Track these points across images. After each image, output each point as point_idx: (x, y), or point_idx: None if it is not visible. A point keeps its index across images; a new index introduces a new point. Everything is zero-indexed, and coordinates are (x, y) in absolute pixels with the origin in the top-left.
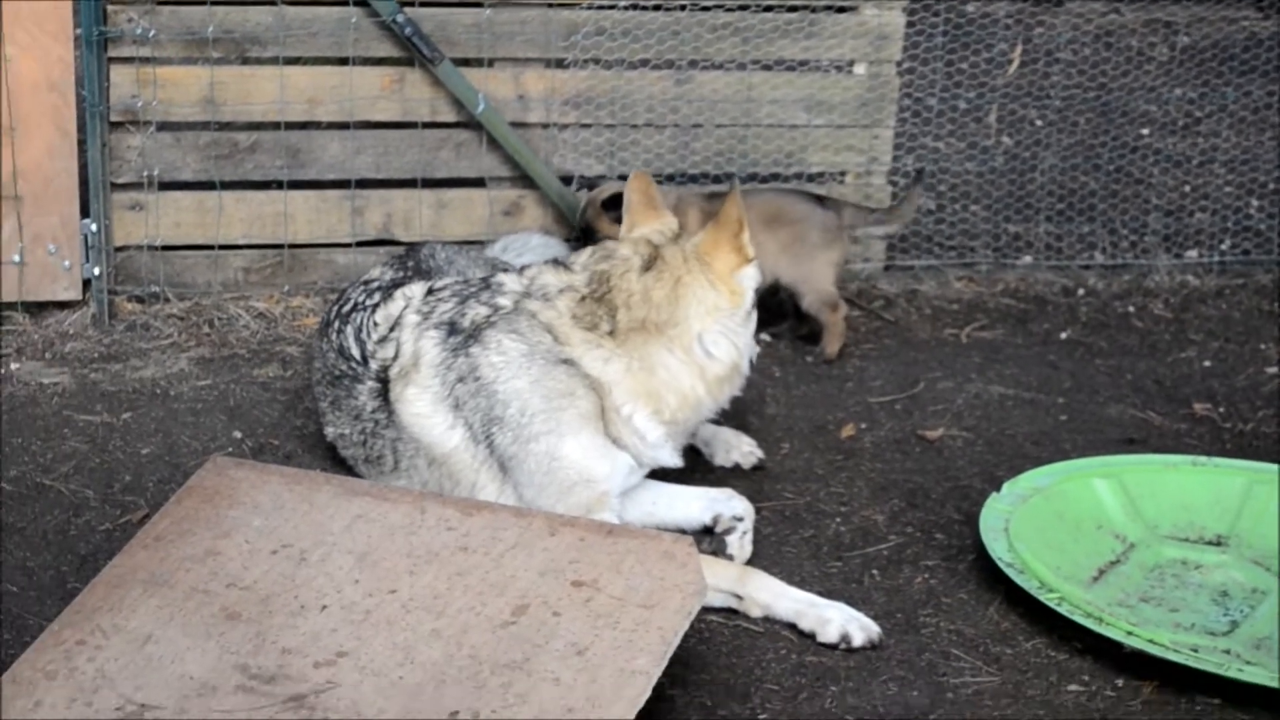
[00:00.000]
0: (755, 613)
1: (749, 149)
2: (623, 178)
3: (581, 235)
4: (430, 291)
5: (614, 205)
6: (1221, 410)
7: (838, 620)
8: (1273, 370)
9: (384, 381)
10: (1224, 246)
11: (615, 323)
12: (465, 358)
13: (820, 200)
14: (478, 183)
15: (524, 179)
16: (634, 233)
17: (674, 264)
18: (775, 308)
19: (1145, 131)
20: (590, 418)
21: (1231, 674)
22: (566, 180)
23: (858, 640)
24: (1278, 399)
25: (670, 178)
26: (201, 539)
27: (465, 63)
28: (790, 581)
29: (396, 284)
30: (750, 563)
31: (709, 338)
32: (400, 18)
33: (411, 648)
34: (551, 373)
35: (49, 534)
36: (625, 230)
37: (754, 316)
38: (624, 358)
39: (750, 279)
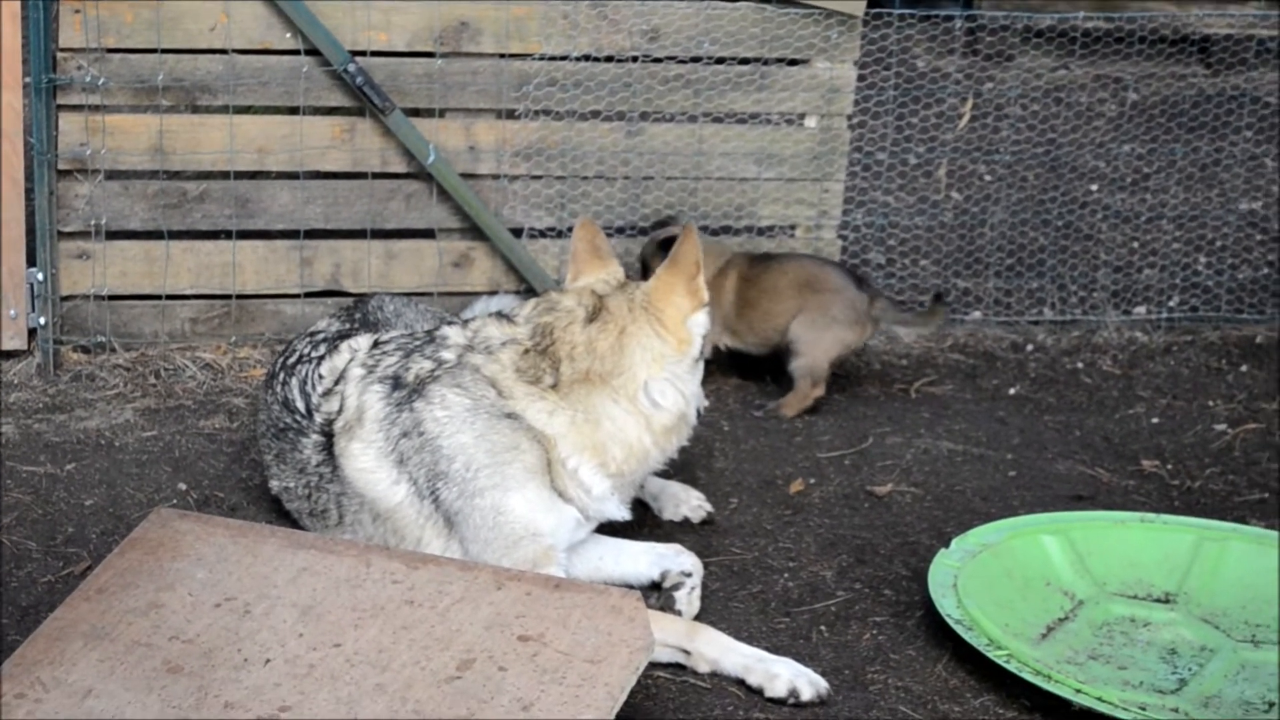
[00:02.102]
0: (703, 668)
1: (699, 201)
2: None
3: (642, 269)
4: (376, 344)
5: (666, 247)
6: (1170, 467)
7: (785, 675)
8: (1220, 427)
9: (328, 435)
10: (1172, 303)
11: (559, 375)
12: (409, 412)
13: (858, 280)
14: (427, 234)
15: (474, 230)
16: (579, 282)
17: (619, 313)
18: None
19: (1094, 187)
20: (536, 471)
21: None
22: (517, 232)
23: (806, 695)
24: (1225, 456)
25: (620, 230)
26: (144, 591)
27: (416, 113)
28: (738, 637)
29: (343, 335)
30: (698, 618)
31: (655, 386)
32: (351, 67)
33: (355, 703)
34: (496, 426)
35: None
36: (570, 279)
37: (701, 365)
38: (568, 410)
39: (700, 325)
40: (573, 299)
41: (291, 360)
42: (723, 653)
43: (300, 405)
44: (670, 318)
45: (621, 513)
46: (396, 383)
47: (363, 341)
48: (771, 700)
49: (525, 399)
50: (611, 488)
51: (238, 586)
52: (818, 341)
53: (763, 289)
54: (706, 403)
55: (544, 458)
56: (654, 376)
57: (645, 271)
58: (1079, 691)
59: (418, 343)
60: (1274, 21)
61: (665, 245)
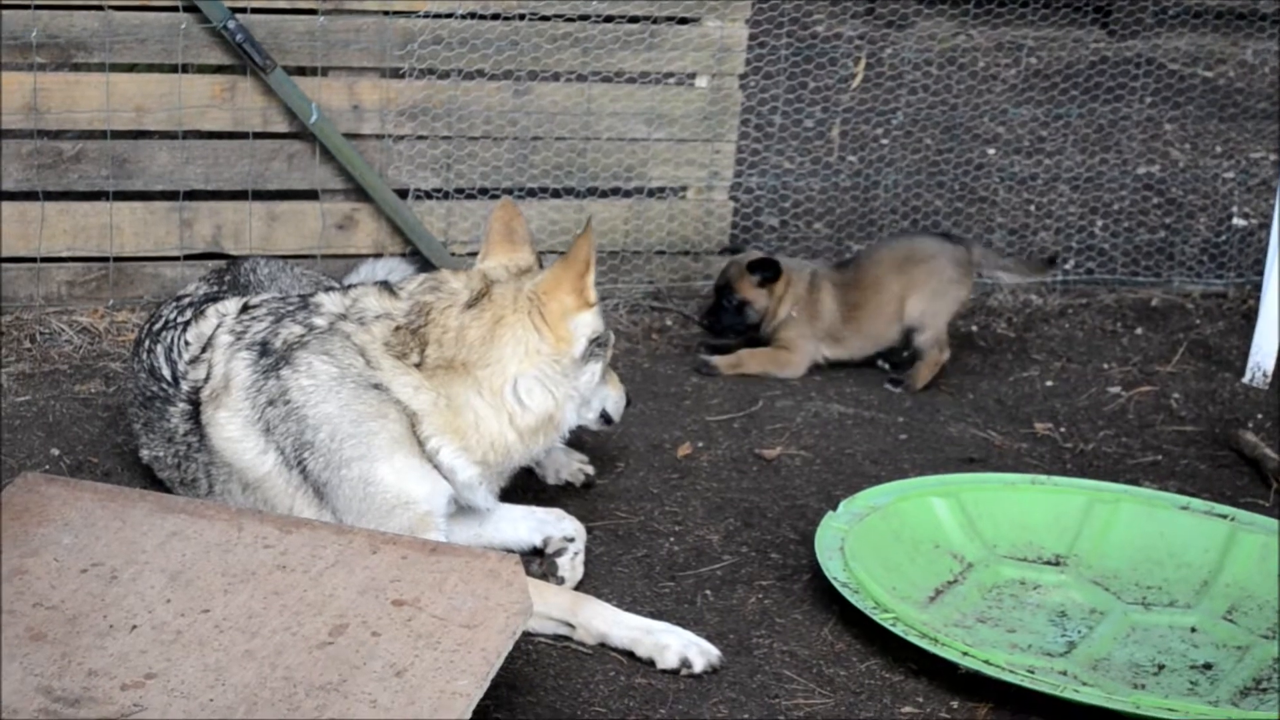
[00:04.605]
0: (589, 641)
1: (588, 162)
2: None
3: (717, 294)
4: (245, 309)
5: (759, 269)
6: (1063, 430)
7: (675, 646)
8: (1115, 390)
9: (195, 404)
10: (1068, 266)
11: (424, 356)
12: (276, 380)
13: (949, 237)
14: (310, 195)
15: (358, 191)
16: (485, 263)
17: (500, 302)
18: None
19: (991, 151)
20: (403, 441)
21: (1067, 695)
22: (402, 193)
23: (698, 666)
24: (1119, 419)
25: (508, 190)
26: (7, 558)
27: (299, 71)
28: (622, 602)
29: (211, 299)
30: (581, 584)
31: (523, 384)
32: (231, 24)
33: (223, 669)
34: (361, 396)
35: None
36: (479, 261)
37: (589, 367)
38: (431, 391)
39: (585, 326)
40: (461, 281)
41: (157, 326)
42: (610, 626)
43: (166, 373)
44: (553, 314)
45: (489, 503)
46: (264, 349)
47: (231, 306)
48: (663, 671)
49: (391, 371)
50: (479, 476)
51: (105, 552)
52: (939, 312)
53: (864, 287)
54: (625, 404)
55: (411, 429)
56: (524, 373)
57: (720, 295)
58: (966, 654)
59: (290, 307)
60: None
61: (754, 268)
